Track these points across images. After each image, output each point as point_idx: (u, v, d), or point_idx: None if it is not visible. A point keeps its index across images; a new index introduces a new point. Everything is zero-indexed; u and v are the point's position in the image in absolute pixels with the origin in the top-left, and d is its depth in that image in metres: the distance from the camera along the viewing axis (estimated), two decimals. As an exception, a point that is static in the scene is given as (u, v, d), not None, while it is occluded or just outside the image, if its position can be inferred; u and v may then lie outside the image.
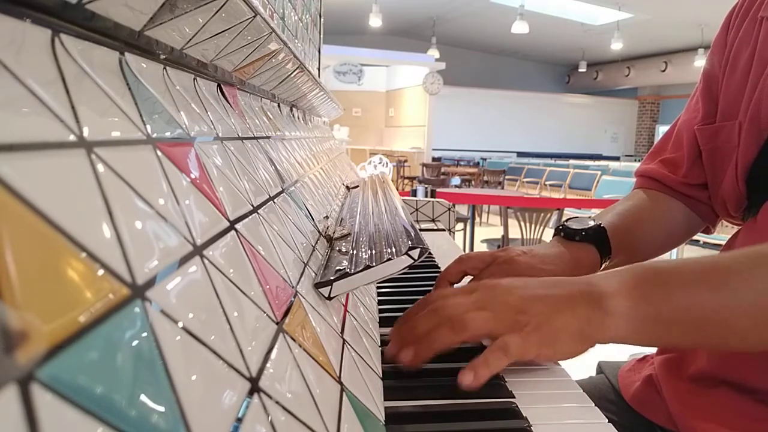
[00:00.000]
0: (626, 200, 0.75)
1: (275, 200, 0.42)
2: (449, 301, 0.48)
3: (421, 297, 0.64)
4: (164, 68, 0.30)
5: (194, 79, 0.36)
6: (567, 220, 0.69)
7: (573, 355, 0.46)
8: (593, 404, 0.44)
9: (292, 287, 0.34)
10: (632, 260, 0.72)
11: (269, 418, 0.21)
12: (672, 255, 3.64)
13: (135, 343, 0.16)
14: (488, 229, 5.81)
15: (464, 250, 0.83)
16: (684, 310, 0.44)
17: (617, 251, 0.67)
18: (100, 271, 0.16)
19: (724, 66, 0.66)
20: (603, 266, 0.67)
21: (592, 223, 0.67)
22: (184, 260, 0.21)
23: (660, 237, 0.73)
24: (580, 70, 13.91)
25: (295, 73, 0.66)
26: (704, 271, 0.46)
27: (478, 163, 10.66)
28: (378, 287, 0.70)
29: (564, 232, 0.67)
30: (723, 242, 0.67)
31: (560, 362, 0.52)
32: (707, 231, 0.75)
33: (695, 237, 0.77)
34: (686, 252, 3.86)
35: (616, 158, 13.07)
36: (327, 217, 0.63)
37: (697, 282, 0.45)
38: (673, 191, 0.73)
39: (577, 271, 0.64)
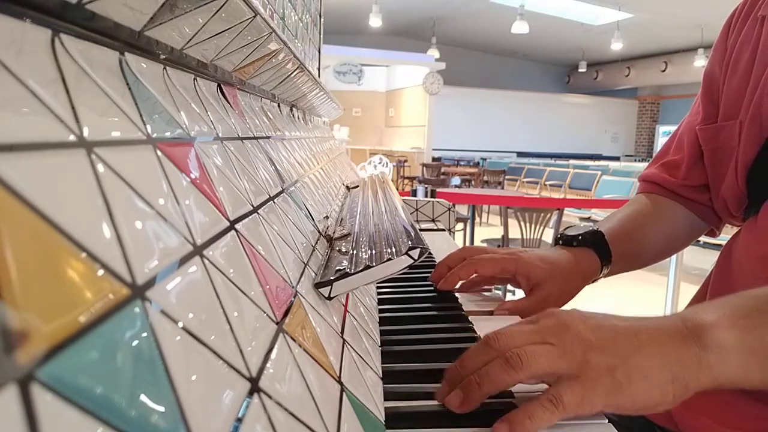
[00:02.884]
0: (628, 206, 0.76)
1: (275, 200, 0.42)
2: (507, 330, 0.40)
3: (421, 297, 0.63)
4: (164, 68, 0.30)
5: (194, 79, 0.36)
6: (565, 229, 0.71)
7: (657, 409, 0.37)
8: (593, 404, 0.44)
9: (292, 287, 0.34)
10: (634, 265, 0.72)
11: (269, 418, 0.21)
12: (672, 258, 3.64)
13: (135, 343, 0.16)
14: (488, 229, 5.81)
15: (464, 250, 0.84)
16: None
17: (618, 256, 0.67)
18: (100, 271, 0.16)
19: (725, 68, 0.66)
20: (603, 271, 0.67)
21: (589, 228, 0.68)
22: (184, 260, 0.21)
23: (661, 241, 0.73)
24: (580, 70, 13.91)
25: (295, 73, 0.66)
26: None
27: (478, 163, 10.65)
28: (378, 287, 0.70)
29: (562, 240, 0.69)
30: (723, 243, 0.67)
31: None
32: (712, 234, 0.75)
33: (695, 237, 0.77)
34: (686, 253, 3.85)
35: (616, 158, 13.09)
36: (327, 217, 0.63)
37: None
38: (674, 194, 0.73)
39: (576, 267, 0.64)
